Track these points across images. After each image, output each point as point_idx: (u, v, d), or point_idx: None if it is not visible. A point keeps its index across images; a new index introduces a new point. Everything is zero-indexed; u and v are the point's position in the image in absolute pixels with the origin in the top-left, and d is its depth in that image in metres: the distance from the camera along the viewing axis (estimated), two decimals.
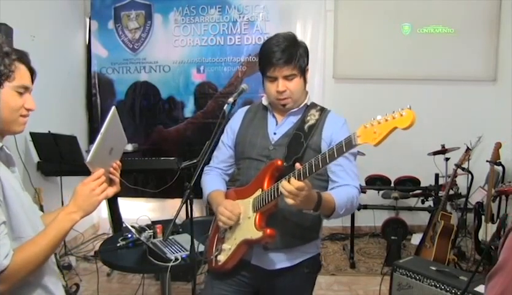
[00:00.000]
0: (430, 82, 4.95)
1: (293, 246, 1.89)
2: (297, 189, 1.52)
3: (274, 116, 1.96)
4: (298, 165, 1.57)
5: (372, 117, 1.39)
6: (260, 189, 1.76)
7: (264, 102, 1.98)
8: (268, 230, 1.71)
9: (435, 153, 4.44)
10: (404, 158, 4.73)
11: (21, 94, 1.37)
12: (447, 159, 4.44)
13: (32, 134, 3.87)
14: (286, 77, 1.81)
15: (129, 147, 4.56)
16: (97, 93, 5.21)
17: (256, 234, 1.73)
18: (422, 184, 4.60)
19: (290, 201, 1.55)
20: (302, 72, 1.86)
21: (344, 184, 1.81)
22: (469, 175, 4.13)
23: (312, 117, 1.88)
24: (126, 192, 3.61)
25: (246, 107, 2.12)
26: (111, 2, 5.16)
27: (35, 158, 4.05)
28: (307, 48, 1.89)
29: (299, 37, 1.90)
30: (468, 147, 4.15)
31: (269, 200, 1.69)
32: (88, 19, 5.20)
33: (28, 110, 1.40)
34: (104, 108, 5.16)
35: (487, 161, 4.01)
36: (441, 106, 4.93)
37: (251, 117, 2.03)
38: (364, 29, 5.02)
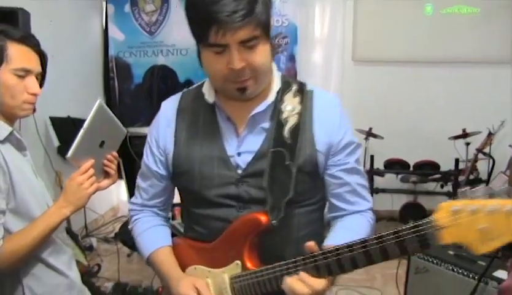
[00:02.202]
0: (452, 64, 4.84)
1: None
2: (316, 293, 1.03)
3: (228, 119, 1.22)
4: (311, 245, 1.05)
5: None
6: (238, 262, 1.18)
7: (209, 97, 1.23)
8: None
9: (456, 137, 4.37)
10: (424, 143, 4.67)
11: (21, 77, 1.35)
12: (467, 144, 4.37)
13: (52, 119, 3.92)
14: (243, 43, 1.07)
15: (147, 131, 4.57)
16: (115, 77, 5.24)
17: None
18: (442, 169, 4.54)
19: None
20: (267, 31, 1.12)
21: (355, 210, 1.24)
22: (491, 160, 4.06)
23: (291, 109, 1.21)
24: None
25: (173, 102, 1.32)
26: None
27: (56, 142, 4.10)
28: None
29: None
30: (490, 132, 4.07)
31: (260, 291, 1.14)
32: (104, 3, 5.19)
33: (32, 94, 1.38)
34: (121, 92, 5.20)
35: (509, 145, 3.93)
36: (463, 89, 4.83)
37: (190, 120, 1.26)
38: (384, 9, 4.90)
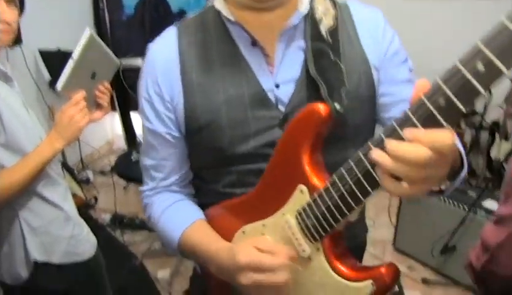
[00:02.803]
0: None
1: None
2: (436, 151, 0.60)
3: (254, 43, 0.93)
4: (422, 83, 0.64)
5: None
6: (302, 187, 0.86)
7: (228, 14, 0.94)
8: (383, 268, 0.81)
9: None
10: (422, 76, 4.62)
11: None
12: None
13: (41, 52, 3.83)
14: None
15: (140, 62, 4.50)
16: (105, 7, 5.06)
17: (356, 288, 0.83)
18: None
19: (412, 189, 0.64)
20: None
21: None
22: (488, 92, 4.04)
23: (323, 12, 0.95)
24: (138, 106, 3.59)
25: (168, 39, 1.00)
26: None
27: (47, 76, 4.03)
28: None
29: None
30: None
31: (346, 209, 0.78)
32: None
33: (4, 22, 1.32)
34: (112, 23, 5.03)
35: (509, 78, 3.90)
36: (461, 23, 4.72)
37: (200, 55, 0.96)
38: None
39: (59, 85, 1.35)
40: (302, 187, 0.85)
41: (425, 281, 2.96)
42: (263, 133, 0.93)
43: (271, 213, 0.91)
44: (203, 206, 1.07)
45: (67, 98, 1.40)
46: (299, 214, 0.86)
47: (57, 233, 1.49)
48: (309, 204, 0.84)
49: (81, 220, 1.65)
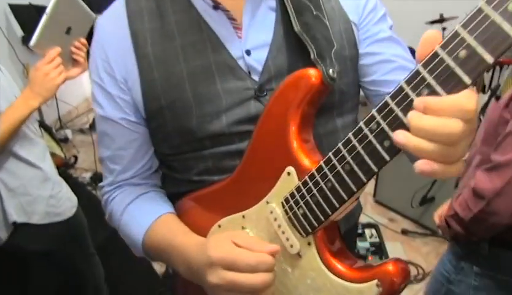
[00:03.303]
0: None
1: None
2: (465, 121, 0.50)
3: (216, 6, 0.80)
4: (431, 34, 0.53)
5: None
6: (290, 169, 0.72)
7: None
8: (391, 266, 0.65)
9: (432, 22, 4.31)
10: (400, 28, 4.59)
11: None
12: (444, 29, 4.33)
13: (11, 6, 3.69)
14: None
15: None
16: None
17: (359, 290, 0.67)
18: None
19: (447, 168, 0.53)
20: None
21: None
22: None
23: None
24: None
25: (115, 11, 0.85)
26: None
27: (20, 32, 3.89)
28: None
29: None
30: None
31: (349, 183, 0.63)
32: None
33: None
34: None
35: None
36: None
37: (154, 25, 0.82)
38: None
39: (32, 41, 1.31)
40: (290, 168, 0.71)
41: (404, 232, 3.05)
42: (236, 108, 0.79)
43: (253, 202, 0.77)
44: (174, 196, 0.93)
45: (42, 55, 1.36)
46: (287, 201, 0.72)
47: (36, 193, 1.48)
48: (298, 189, 0.70)
49: (61, 180, 1.64)
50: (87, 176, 3.52)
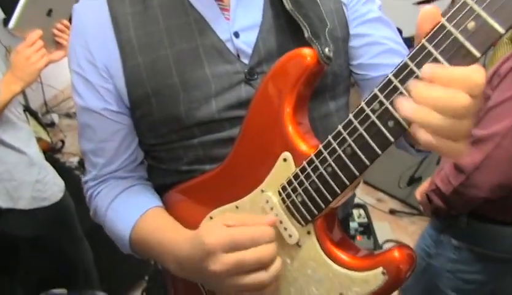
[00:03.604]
0: None
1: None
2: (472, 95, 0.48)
3: None
4: (429, 10, 0.51)
5: None
6: (286, 155, 0.69)
7: None
8: (397, 252, 0.62)
9: (419, 3, 4.30)
10: (388, 8, 4.58)
11: None
12: None
13: None
14: None
15: None
16: None
17: (363, 279, 0.64)
18: (405, 35, 4.52)
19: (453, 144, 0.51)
20: None
21: None
22: None
23: None
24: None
25: None
26: None
27: (1, 14, 3.81)
28: None
29: None
30: None
31: (351, 167, 0.60)
32: None
33: None
34: None
35: None
36: None
37: (136, 8, 0.78)
38: None
39: (11, 23, 1.28)
40: (286, 154, 0.68)
41: (392, 212, 3.09)
42: (226, 93, 0.76)
43: (247, 192, 0.74)
44: (161, 189, 0.89)
45: (23, 38, 1.33)
46: (284, 189, 0.69)
47: (21, 178, 1.46)
48: (295, 176, 0.67)
49: (47, 164, 1.62)
50: (74, 160, 3.49)
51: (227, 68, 0.77)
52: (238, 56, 0.78)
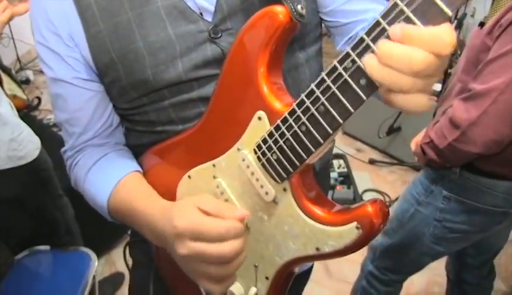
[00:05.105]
0: None
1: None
2: (436, 54, 0.49)
3: None
4: None
5: None
6: (261, 113, 0.69)
7: None
8: (370, 207, 0.63)
9: None
10: None
11: None
12: None
13: None
14: None
15: None
16: None
17: (338, 233, 0.66)
18: None
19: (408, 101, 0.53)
20: None
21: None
22: None
23: None
24: None
25: None
26: None
27: None
28: None
29: None
30: None
31: (324, 125, 0.60)
32: None
33: None
34: None
35: None
36: None
37: None
38: None
39: None
40: (261, 113, 0.69)
41: (372, 162, 3.14)
42: (191, 52, 0.75)
43: (223, 150, 0.75)
44: (138, 148, 0.90)
45: None
46: (259, 147, 0.69)
47: None
48: (270, 134, 0.67)
49: (21, 122, 1.59)
50: (52, 117, 3.44)
51: (191, 28, 0.74)
52: (201, 14, 0.75)
